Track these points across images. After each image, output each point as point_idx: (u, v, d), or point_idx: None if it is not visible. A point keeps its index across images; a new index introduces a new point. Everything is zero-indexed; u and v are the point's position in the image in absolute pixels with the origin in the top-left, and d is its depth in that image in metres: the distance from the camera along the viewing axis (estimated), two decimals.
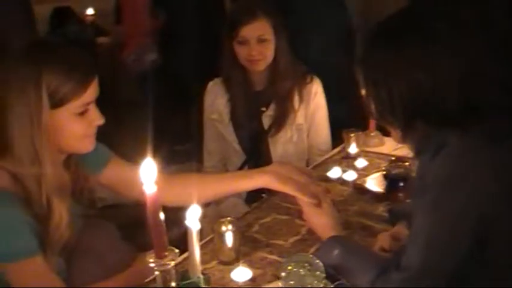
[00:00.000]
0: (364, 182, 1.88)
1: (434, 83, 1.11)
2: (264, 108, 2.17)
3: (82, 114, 1.36)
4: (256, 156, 2.20)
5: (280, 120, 2.14)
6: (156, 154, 1.57)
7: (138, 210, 1.96)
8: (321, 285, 1.27)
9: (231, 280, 1.40)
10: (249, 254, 1.50)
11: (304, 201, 1.51)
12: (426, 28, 1.12)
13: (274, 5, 2.09)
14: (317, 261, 1.31)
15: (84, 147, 1.43)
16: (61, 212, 1.37)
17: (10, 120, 1.31)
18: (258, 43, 2.04)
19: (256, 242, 1.57)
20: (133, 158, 1.62)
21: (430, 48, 1.11)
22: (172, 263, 1.18)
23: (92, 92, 1.36)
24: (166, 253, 1.17)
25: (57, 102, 1.31)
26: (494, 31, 1.17)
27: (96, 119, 1.40)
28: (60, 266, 1.47)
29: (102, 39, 3.99)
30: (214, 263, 1.48)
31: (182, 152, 3.63)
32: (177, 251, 1.19)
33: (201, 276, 1.33)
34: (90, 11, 3.98)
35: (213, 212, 2.09)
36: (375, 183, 1.87)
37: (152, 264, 1.18)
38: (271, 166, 1.59)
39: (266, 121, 2.17)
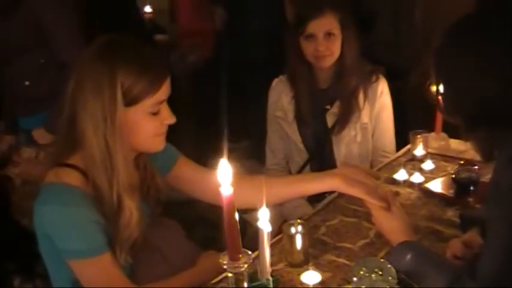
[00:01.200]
0: (432, 185, 1.86)
1: (503, 90, 1.10)
2: (328, 106, 2.17)
3: (155, 113, 1.38)
4: (319, 155, 2.21)
5: (345, 119, 2.14)
6: (212, 153, 1.59)
7: (192, 208, 2.02)
8: None
9: (301, 283, 1.42)
10: (317, 257, 1.51)
11: (373, 204, 1.50)
12: (502, 33, 1.11)
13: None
14: (389, 266, 1.31)
15: (155, 146, 1.45)
16: (131, 210, 1.40)
17: (83, 117, 1.33)
18: (325, 38, 2.05)
19: (324, 245, 1.58)
20: (189, 157, 1.66)
21: (505, 55, 1.10)
22: (246, 266, 1.21)
23: (164, 90, 1.39)
24: (240, 255, 1.20)
25: (130, 101, 1.34)
26: None
27: (168, 117, 1.42)
28: (128, 263, 1.50)
29: (159, 37, 4.04)
30: (282, 264, 1.50)
31: (238, 149, 3.66)
32: (250, 253, 1.22)
33: (271, 278, 1.36)
34: (148, 9, 4.05)
35: (276, 213, 2.10)
36: (443, 186, 1.84)
37: (225, 266, 1.20)
38: (339, 169, 1.61)
39: (330, 119, 2.18)
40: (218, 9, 3.81)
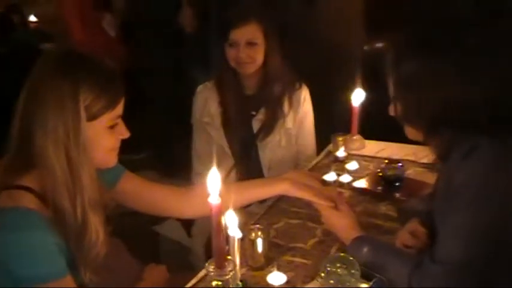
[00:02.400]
0: (361, 183, 2.01)
1: (467, 98, 1.25)
2: (254, 112, 2.26)
3: (112, 127, 1.38)
4: (246, 160, 2.29)
5: (270, 125, 2.25)
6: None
7: (127, 221, 2.02)
8: (358, 283, 1.38)
9: (268, 284, 1.48)
10: (275, 259, 1.58)
11: (322, 205, 1.60)
12: (463, 43, 1.26)
13: (268, 9, 2.21)
14: (351, 259, 1.41)
15: (111, 161, 1.45)
16: (97, 228, 1.38)
17: (41, 134, 1.29)
18: (247, 46, 2.14)
19: (278, 247, 1.65)
20: None
21: (469, 65, 1.25)
22: (231, 274, 1.26)
23: (122, 105, 1.39)
24: (226, 263, 1.25)
25: (92, 116, 1.33)
26: None
27: (124, 132, 1.43)
28: (93, 283, 1.46)
29: (46, 46, 3.89)
30: (244, 269, 1.54)
31: (137, 161, 3.63)
32: (234, 260, 1.28)
33: (240, 283, 1.42)
34: (32, 18, 3.89)
35: (204, 221, 2.17)
36: (371, 184, 2.00)
37: (212, 274, 1.25)
38: (287, 174, 1.69)
39: (256, 125, 2.26)
40: (106, 15, 3.75)
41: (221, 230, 1.23)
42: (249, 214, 2.10)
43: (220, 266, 1.24)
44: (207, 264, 1.26)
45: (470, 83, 1.26)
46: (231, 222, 1.38)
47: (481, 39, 1.27)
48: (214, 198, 1.19)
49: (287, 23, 2.60)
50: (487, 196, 1.24)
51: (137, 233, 2.56)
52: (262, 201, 2.04)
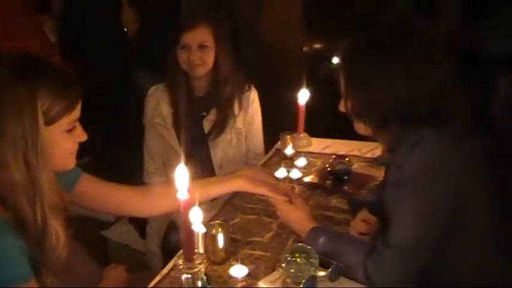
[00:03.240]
0: (311, 178, 2.11)
1: (410, 93, 1.37)
2: (205, 113, 2.33)
3: (70, 130, 1.40)
4: (197, 159, 2.31)
5: (221, 125, 2.32)
6: None
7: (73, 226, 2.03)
8: (317, 271, 1.46)
9: (230, 277, 1.54)
10: (235, 253, 1.64)
11: (277, 199, 1.67)
12: (406, 44, 1.38)
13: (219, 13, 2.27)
14: (309, 248, 1.49)
15: (70, 164, 1.47)
16: (57, 232, 1.39)
17: None
18: (199, 49, 2.21)
19: (236, 242, 1.71)
20: None
21: (409, 63, 1.37)
22: (200, 266, 1.32)
23: (79, 108, 1.41)
24: (194, 256, 1.31)
25: (50, 120, 1.34)
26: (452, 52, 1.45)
27: (82, 135, 1.45)
28: (55, 286, 1.46)
29: None
30: (206, 264, 1.56)
31: (80, 166, 3.59)
32: (202, 253, 1.33)
33: (204, 277, 1.47)
34: None
35: (162, 218, 2.25)
36: (320, 179, 2.10)
37: (181, 267, 1.30)
38: (242, 171, 1.76)
39: (207, 125, 2.33)
40: (46, 19, 3.67)
41: (190, 225, 1.28)
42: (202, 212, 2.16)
43: (189, 259, 1.29)
44: (175, 258, 1.31)
45: (413, 80, 1.37)
46: (195, 218, 1.43)
47: (422, 41, 1.40)
48: (182, 194, 1.23)
49: (235, 26, 2.67)
50: (434, 182, 1.35)
51: (84, 238, 2.55)
52: (212, 200, 2.07)
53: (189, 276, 1.30)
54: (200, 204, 2.13)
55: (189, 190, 1.30)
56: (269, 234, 1.76)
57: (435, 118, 1.38)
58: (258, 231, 1.78)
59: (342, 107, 1.52)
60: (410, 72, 1.37)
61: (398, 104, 1.38)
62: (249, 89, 2.38)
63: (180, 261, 1.29)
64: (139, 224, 2.57)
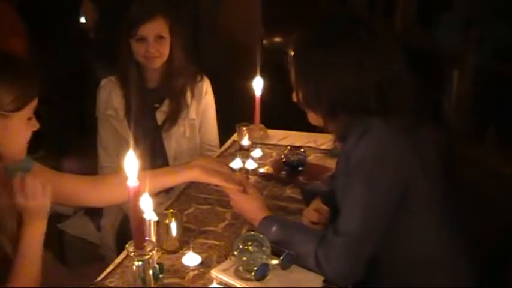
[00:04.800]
0: (266, 169, 2.13)
1: (358, 84, 1.41)
2: (157, 105, 2.32)
3: (30, 119, 1.42)
4: (151, 151, 2.32)
5: (174, 116, 2.31)
6: None
7: None
8: (270, 259, 1.48)
9: (183, 265, 1.55)
10: (189, 242, 1.65)
11: (231, 189, 1.68)
12: (356, 37, 1.42)
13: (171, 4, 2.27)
14: (261, 236, 1.51)
15: (23, 153, 1.48)
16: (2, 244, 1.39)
17: None
18: (156, 41, 2.20)
19: (190, 231, 1.72)
20: None
21: (359, 55, 1.41)
22: (151, 253, 1.32)
23: (36, 98, 1.43)
24: (145, 244, 1.31)
25: (14, 109, 1.36)
26: (401, 44, 1.49)
27: (35, 124, 1.46)
28: None
29: None
30: (158, 253, 1.58)
31: (38, 160, 3.54)
32: (154, 240, 1.33)
33: (157, 266, 1.47)
34: None
35: (115, 209, 2.25)
36: (275, 169, 2.12)
37: (132, 254, 1.30)
38: (196, 161, 1.75)
39: (160, 117, 2.32)
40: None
41: (139, 212, 1.29)
42: (155, 204, 2.15)
43: (140, 246, 1.29)
44: (127, 245, 1.31)
45: (362, 71, 1.41)
46: (147, 205, 1.43)
47: (372, 34, 1.43)
48: (132, 181, 1.23)
49: (191, 17, 2.67)
50: (382, 172, 1.39)
51: None
52: (168, 191, 2.12)
53: (141, 263, 1.29)
54: (154, 197, 2.16)
55: (140, 178, 1.30)
56: (223, 224, 1.78)
57: (384, 109, 1.42)
58: (211, 220, 1.80)
59: (294, 97, 1.54)
60: (360, 63, 1.41)
61: (347, 94, 1.41)
62: (202, 79, 2.38)
63: (131, 249, 1.29)
64: (96, 216, 2.55)
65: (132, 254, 1.29)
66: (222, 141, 2.49)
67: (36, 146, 3.63)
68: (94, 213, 2.60)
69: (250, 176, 2.10)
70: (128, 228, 2.16)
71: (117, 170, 2.22)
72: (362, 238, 1.40)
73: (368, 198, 1.39)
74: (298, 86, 1.50)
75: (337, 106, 1.44)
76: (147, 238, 1.36)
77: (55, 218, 2.81)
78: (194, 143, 2.40)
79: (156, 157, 2.33)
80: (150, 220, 1.46)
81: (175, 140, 2.35)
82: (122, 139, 2.32)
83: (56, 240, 2.76)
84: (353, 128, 1.43)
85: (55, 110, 3.52)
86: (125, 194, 1.47)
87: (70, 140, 3.39)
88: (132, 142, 2.21)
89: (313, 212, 1.68)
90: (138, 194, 1.26)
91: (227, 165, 1.91)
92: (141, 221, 1.30)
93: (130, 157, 1.26)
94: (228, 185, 1.69)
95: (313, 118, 1.55)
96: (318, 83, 1.44)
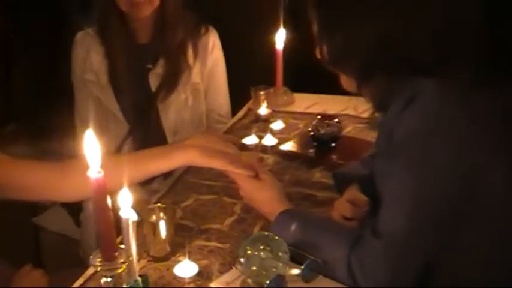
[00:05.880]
0: (288, 146, 2.05)
1: (402, 32, 1.28)
2: (150, 66, 2.26)
3: None
4: (144, 125, 2.30)
5: (172, 80, 2.26)
6: None
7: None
8: (287, 268, 1.39)
9: (175, 277, 1.47)
10: (184, 245, 1.57)
11: (239, 175, 1.60)
12: None
13: None
14: (276, 238, 1.42)
15: None
16: None
17: None
18: None
19: (187, 231, 1.65)
20: None
21: None
22: (124, 266, 1.25)
23: None
24: (116, 254, 1.24)
25: None
26: None
27: None
28: None
29: None
30: (144, 261, 1.53)
31: (4, 136, 3.57)
32: (129, 250, 1.25)
33: (139, 279, 1.38)
34: None
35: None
36: (301, 146, 2.05)
37: (99, 269, 1.24)
38: (192, 139, 1.67)
39: (154, 81, 2.27)
40: None
41: (107, 211, 1.22)
42: (150, 193, 2.10)
43: (108, 257, 1.23)
44: (91, 257, 1.24)
45: (408, 13, 1.28)
46: (124, 201, 1.33)
47: None
48: (93, 171, 1.15)
49: None
50: (435, 151, 1.26)
51: (12, 227, 2.53)
52: (166, 176, 2.06)
53: (109, 280, 1.22)
54: (144, 185, 2.11)
55: (112, 167, 1.26)
56: (230, 220, 1.70)
57: (436, 65, 1.29)
58: (215, 215, 1.73)
59: (318, 53, 1.45)
60: (402, 4, 1.29)
61: (385, 46, 1.29)
62: (207, 32, 2.32)
63: (97, 261, 1.21)
64: (74, 210, 2.54)
65: (99, 268, 1.21)
66: (234, 110, 2.46)
67: (6, 118, 3.71)
68: (72, 205, 2.58)
69: (269, 156, 2.03)
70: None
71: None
72: (409, 242, 1.29)
73: (417, 188, 1.27)
74: (322, 37, 1.40)
75: (372, 63, 1.32)
76: (122, 246, 1.28)
77: (30, 210, 2.83)
78: (199, 113, 2.36)
79: (150, 133, 2.31)
80: (128, 219, 1.38)
81: (175, 111, 2.30)
82: (105, 111, 2.28)
83: (31, 236, 2.79)
84: (396, 93, 1.31)
85: (28, 73, 3.54)
86: (111, 184, 1.43)
87: (47, 111, 3.37)
88: (119, 115, 2.26)
89: (346, 204, 1.59)
90: (102, 188, 1.18)
91: (236, 142, 1.83)
92: (109, 224, 1.22)
93: (89, 138, 1.16)
94: (234, 169, 1.60)
95: (345, 81, 1.46)
96: (346, 31, 1.33)
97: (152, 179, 2.19)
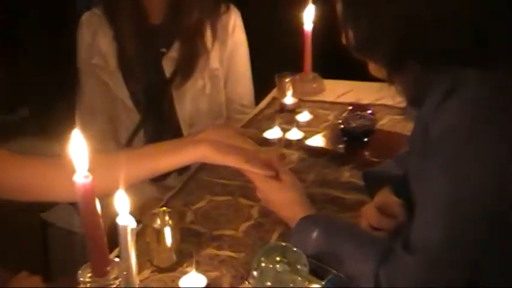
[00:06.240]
0: (315, 140, 2.00)
1: (435, 16, 1.22)
2: (164, 49, 2.24)
3: None
4: (156, 116, 2.30)
5: (188, 65, 2.23)
6: None
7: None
8: (306, 282, 1.34)
9: None
10: (192, 254, 1.52)
11: (257, 174, 1.56)
12: None
13: None
14: (295, 250, 1.37)
15: None
16: None
17: None
18: None
19: (197, 237, 1.61)
20: None
21: None
22: (118, 282, 1.23)
23: None
24: (108, 268, 1.22)
25: None
26: None
27: None
28: None
29: None
30: (147, 271, 1.49)
31: (13, 122, 3.68)
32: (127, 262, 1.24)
33: None
34: None
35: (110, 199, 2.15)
36: (329, 141, 1.99)
37: (89, 285, 1.23)
38: (205, 133, 1.62)
39: (168, 66, 2.25)
40: None
41: (96, 221, 1.19)
42: (163, 190, 2.13)
43: (99, 273, 1.21)
44: (80, 271, 1.23)
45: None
46: (121, 206, 1.30)
47: None
48: (80, 175, 1.11)
49: None
50: (479, 152, 1.20)
51: (20, 222, 2.55)
52: (181, 172, 2.09)
53: None
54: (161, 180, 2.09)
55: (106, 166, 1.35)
56: (245, 225, 1.65)
57: (473, 54, 1.23)
58: (230, 219, 1.68)
59: (343, 38, 1.41)
60: None
61: (415, 29, 1.24)
62: (227, 10, 2.30)
63: (85, 276, 1.17)
64: None
65: (88, 285, 1.17)
66: (257, 100, 2.43)
67: (18, 102, 3.78)
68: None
69: (293, 151, 1.99)
70: None
71: (110, 144, 2.23)
72: (447, 257, 1.22)
73: (457, 195, 1.20)
74: (346, 21, 1.35)
75: (401, 50, 1.27)
76: (117, 259, 1.27)
77: (38, 206, 2.84)
78: (218, 102, 2.34)
79: (163, 124, 2.30)
80: (125, 227, 1.33)
81: (191, 100, 2.28)
82: (115, 99, 2.27)
83: (39, 232, 2.81)
84: (432, 85, 1.27)
85: (40, 55, 3.57)
86: (111, 183, 1.41)
87: (59, 94, 3.39)
88: (129, 103, 2.28)
89: (374, 211, 1.53)
90: (90, 194, 1.14)
91: (255, 135, 1.77)
92: (99, 234, 1.20)
93: (75, 138, 1.14)
94: (251, 167, 1.55)
95: (374, 69, 1.41)
96: (371, 13, 1.28)
97: (166, 175, 2.20)
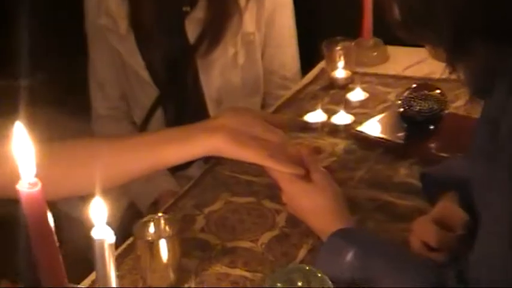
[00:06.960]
0: (368, 127, 1.95)
1: None
2: (187, 8, 2.23)
3: None
4: (177, 91, 2.32)
5: (216, 27, 2.23)
6: None
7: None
8: None
9: None
10: (197, 272, 1.50)
11: (282, 173, 1.53)
12: None
13: None
14: (319, 275, 1.32)
15: None
16: None
17: None
18: None
19: (205, 249, 1.57)
20: None
21: None
22: None
23: None
24: None
25: None
26: None
27: None
28: None
29: None
30: None
31: (27, 88, 3.78)
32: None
33: None
34: None
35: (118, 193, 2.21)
36: (385, 128, 1.94)
37: None
38: (222, 118, 1.59)
39: (192, 29, 2.24)
40: None
41: (49, 239, 1.11)
42: (186, 181, 2.11)
43: None
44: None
45: None
46: (96, 214, 1.25)
47: None
48: (24, 183, 1.02)
49: None
50: None
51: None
52: (207, 160, 2.07)
53: None
54: (181, 170, 2.13)
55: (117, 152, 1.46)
56: (268, 236, 1.60)
57: None
58: (249, 228, 1.64)
59: (388, 14, 1.37)
60: None
61: (485, 5, 1.17)
62: None
63: None
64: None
65: None
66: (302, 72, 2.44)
67: (33, 67, 3.91)
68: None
69: (338, 140, 1.95)
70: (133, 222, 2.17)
71: (123, 122, 2.21)
72: None
73: None
74: None
75: (464, 26, 1.19)
76: (79, 286, 1.27)
77: None
78: (254, 75, 2.35)
79: (185, 101, 2.32)
80: (102, 242, 1.26)
81: (220, 71, 2.29)
82: (126, 68, 2.29)
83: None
84: (502, 71, 1.21)
85: (55, 14, 3.61)
86: (108, 178, 1.51)
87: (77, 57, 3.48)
88: (144, 74, 2.29)
89: (429, 226, 1.46)
90: (39, 207, 1.05)
91: (285, 125, 1.71)
92: (55, 255, 1.10)
93: (18, 132, 1.04)
94: (274, 164, 1.52)
95: (433, 52, 1.42)
96: None
97: (188, 164, 2.19)
